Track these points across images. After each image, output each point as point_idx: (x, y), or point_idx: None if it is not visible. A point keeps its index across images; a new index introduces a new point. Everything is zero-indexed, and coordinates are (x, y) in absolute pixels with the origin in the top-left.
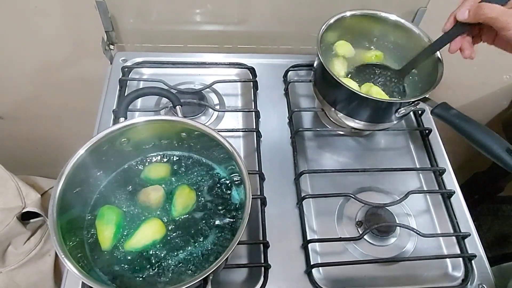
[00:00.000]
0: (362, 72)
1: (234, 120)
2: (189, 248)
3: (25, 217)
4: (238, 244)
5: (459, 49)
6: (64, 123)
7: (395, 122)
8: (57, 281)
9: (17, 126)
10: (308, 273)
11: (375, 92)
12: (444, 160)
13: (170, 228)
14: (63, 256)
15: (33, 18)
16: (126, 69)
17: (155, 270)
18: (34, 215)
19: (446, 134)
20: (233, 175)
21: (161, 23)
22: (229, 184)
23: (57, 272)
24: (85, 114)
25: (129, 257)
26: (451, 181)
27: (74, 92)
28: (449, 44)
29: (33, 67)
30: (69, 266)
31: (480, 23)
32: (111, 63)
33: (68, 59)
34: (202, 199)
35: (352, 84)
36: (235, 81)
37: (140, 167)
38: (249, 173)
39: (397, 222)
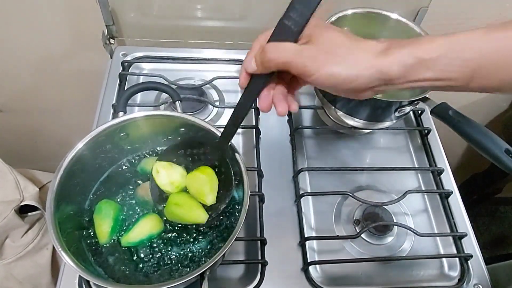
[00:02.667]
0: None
1: None
2: (186, 243)
3: (23, 210)
4: (235, 240)
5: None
6: (63, 116)
7: (394, 121)
8: (55, 274)
9: (16, 119)
10: (305, 270)
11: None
12: (442, 160)
13: (167, 224)
14: (60, 249)
15: (33, 11)
16: (126, 63)
17: (152, 265)
18: (32, 208)
19: (445, 134)
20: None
21: (162, 18)
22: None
23: (55, 265)
24: (84, 107)
25: (126, 252)
26: (449, 181)
27: (73, 85)
28: (256, 102)
29: (33, 60)
30: (66, 259)
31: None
32: (111, 57)
33: (68, 53)
34: None
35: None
36: (235, 77)
37: (138, 162)
38: (247, 170)
39: (395, 221)
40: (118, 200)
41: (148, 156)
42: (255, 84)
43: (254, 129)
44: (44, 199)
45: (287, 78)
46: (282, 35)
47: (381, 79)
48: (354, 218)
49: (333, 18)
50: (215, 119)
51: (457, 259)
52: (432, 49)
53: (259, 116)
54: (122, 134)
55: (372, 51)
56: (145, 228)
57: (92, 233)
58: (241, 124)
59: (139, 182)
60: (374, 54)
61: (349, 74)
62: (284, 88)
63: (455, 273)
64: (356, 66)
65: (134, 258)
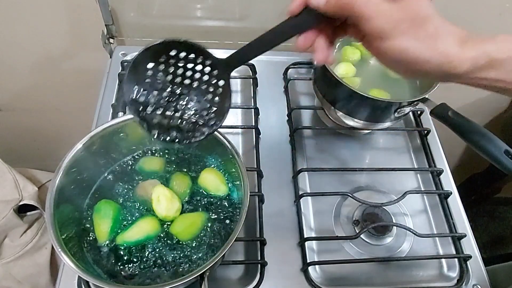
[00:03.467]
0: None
1: (233, 117)
2: (186, 244)
3: (22, 209)
4: (235, 240)
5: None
6: (63, 115)
7: (394, 121)
8: (54, 274)
9: (15, 118)
10: (305, 271)
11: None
12: (442, 161)
13: (165, 225)
14: (59, 249)
15: (33, 10)
16: (126, 63)
17: (151, 266)
18: (31, 207)
19: (444, 135)
20: (231, 172)
21: (162, 18)
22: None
23: (54, 265)
24: (84, 107)
25: (125, 252)
26: (448, 182)
27: (73, 85)
28: (297, 36)
29: (32, 59)
30: (65, 260)
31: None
32: (110, 57)
33: (67, 52)
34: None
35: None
36: (234, 77)
37: (137, 162)
38: (247, 170)
39: (394, 221)
40: (118, 200)
41: (147, 155)
42: (305, 19)
43: (253, 130)
44: (43, 199)
45: (329, 31)
46: None
47: (446, 72)
48: (354, 219)
49: None
50: None
51: (456, 259)
52: (505, 48)
53: (259, 117)
54: (121, 134)
55: (457, 37)
56: (142, 229)
57: (91, 233)
58: (241, 125)
59: (138, 181)
60: (458, 43)
61: (424, 55)
62: (326, 38)
63: (454, 274)
64: (435, 49)
65: (133, 258)
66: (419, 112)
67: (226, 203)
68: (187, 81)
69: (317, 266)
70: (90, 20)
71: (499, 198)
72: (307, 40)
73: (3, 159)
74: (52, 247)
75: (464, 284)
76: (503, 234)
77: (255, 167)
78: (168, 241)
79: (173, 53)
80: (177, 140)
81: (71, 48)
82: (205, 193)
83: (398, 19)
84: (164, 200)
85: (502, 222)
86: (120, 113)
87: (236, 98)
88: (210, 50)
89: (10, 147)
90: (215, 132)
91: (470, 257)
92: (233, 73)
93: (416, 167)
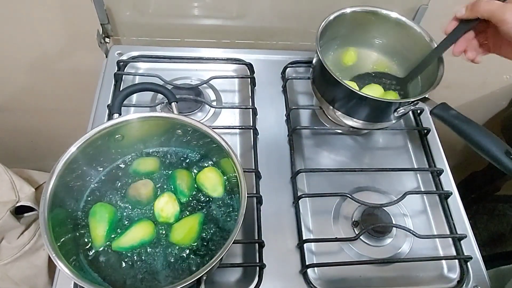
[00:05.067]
0: (364, 78)
1: (231, 117)
2: (183, 248)
3: (19, 211)
4: (233, 243)
5: (463, 52)
6: (59, 116)
7: (393, 121)
8: (51, 275)
9: (11, 119)
10: (303, 273)
11: (376, 89)
12: (442, 161)
13: (161, 229)
14: (54, 255)
15: (27, 10)
16: (122, 63)
17: (148, 270)
18: (28, 209)
19: (443, 133)
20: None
21: (158, 16)
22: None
23: (51, 266)
24: (80, 107)
25: (121, 256)
26: (448, 182)
27: (69, 85)
28: (452, 46)
29: (28, 59)
30: (60, 265)
31: (482, 21)
32: (106, 57)
33: (63, 52)
34: (196, 197)
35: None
36: (232, 77)
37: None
38: (245, 171)
39: (394, 222)
40: (113, 202)
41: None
42: (458, 30)
43: (251, 130)
44: (40, 200)
45: (481, 33)
46: None
47: None
48: (353, 220)
49: (332, 17)
50: (212, 119)
51: (456, 261)
52: None
53: (257, 117)
54: (117, 136)
55: None
56: (137, 234)
57: (87, 237)
58: (238, 125)
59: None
60: None
61: None
62: (477, 42)
63: (455, 275)
64: None
65: (130, 262)
66: (418, 111)
67: (223, 205)
68: None
69: (316, 268)
70: (85, 19)
71: (499, 196)
72: (460, 46)
73: (0, 160)
74: None
75: (464, 285)
76: (502, 232)
77: (253, 168)
78: (164, 245)
79: None
80: None
81: (66, 48)
82: (202, 192)
83: None
84: (166, 207)
85: (502, 220)
86: (116, 115)
87: (234, 98)
88: (207, 49)
89: (6, 147)
90: (212, 133)
91: (471, 258)
92: (230, 73)
93: (416, 167)
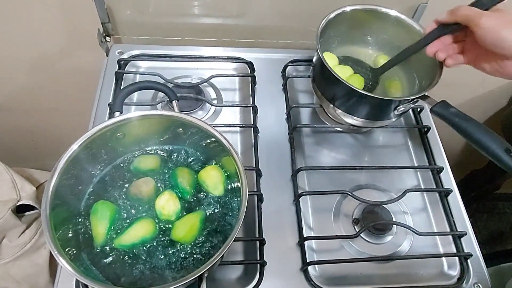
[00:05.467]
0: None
1: (232, 115)
2: (184, 245)
3: (20, 210)
4: (234, 241)
5: (443, 59)
6: (60, 115)
7: (393, 119)
8: (53, 274)
9: (12, 118)
10: (304, 270)
11: (345, 70)
12: (442, 159)
13: (162, 226)
14: (56, 252)
15: (27, 9)
16: (122, 62)
17: (150, 267)
18: (29, 208)
19: (443, 132)
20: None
21: (159, 15)
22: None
23: (53, 265)
24: (81, 106)
25: (123, 253)
26: (448, 179)
27: (69, 84)
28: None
29: (28, 58)
30: (62, 262)
31: (461, 30)
32: (107, 56)
33: (63, 51)
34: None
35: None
36: (233, 75)
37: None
38: (245, 169)
39: (394, 220)
40: (114, 200)
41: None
42: (436, 32)
43: (252, 128)
44: (41, 198)
45: (460, 48)
46: (474, 5)
47: None
48: (353, 217)
49: (332, 15)
50: (213, 117)
51: (456, 258)
52: None
53: (257, 115)
54: (118, 134)
55: None
56: (139, 232)
57: (88, 234)
58: (239, 123)
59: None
60: None
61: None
62: (454, 49)
63: (455, 272)
64: None
65: (131, 259)
66: (419, 110)
67: (224, 203)
68: None
69: (316, 266)
70: (85, 18)
71: (499, 194)
72: (433, 47)
73: (1, 159)
74: None
75: (464, 282)
76: (502, 230)
77: (254, 166)
78: (166, 243)
79: None
80: None
81: (67, 47)
82: (203, 190)
83: (493, 18)
84: (168, 205)
85: (502, 218)
86: (117, 113)
87: (235, 97)
88: (207, 48)
89: (7, 147)
90: (213, 131)
91: (471, 255)
92: (231, 71)
93: (416, 165)
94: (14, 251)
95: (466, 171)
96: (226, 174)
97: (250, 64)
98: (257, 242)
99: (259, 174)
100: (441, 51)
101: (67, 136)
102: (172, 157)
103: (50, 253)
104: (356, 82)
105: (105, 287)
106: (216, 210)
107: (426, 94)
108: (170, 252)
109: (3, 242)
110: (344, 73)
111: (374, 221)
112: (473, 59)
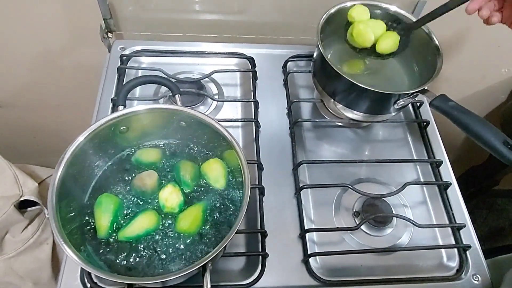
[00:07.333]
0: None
1: (233, 110)
2: (187, 236)
3: (23, 205)
4: (236, 233)
5: (486, 17)
6: (63, 111)
7: (393, 113)
8: (55, 269)
9: (15, 114)
10: (305, 262)
11: (379, 26)
12: (441, 152)
13: (166, 218)
14: (62, 242)
15: (30, 5)
16: (125, 57)
17: (154, 258)
18: (32, 203)
19: (443, 128)
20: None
21: (160, 11)
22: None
23: (55, 260)
24: (83, 102)
25: (126, 244)
26: (447, 173)
27: (72, 80)
28: (468, 2)
29: (31, 54)
30: (68, 251)
31: None
32: (109, 51)
33: (66, 47)
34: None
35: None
36: (234, 71)
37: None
38: (247, 163)
39: (394, 213)
40: (118, 193)
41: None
42: None
43: (253, 123)
44: (43, 194)
45: (500, 4)
46: None
47: None
48: (354, 210)
49: (332, 10)
50: (215, 112)
51: (455, 249)
52: None
53: (258, 110)
54: (122, 128)
55: None
56: (142, 224)
57: (92, 226)
58: (241, 118)
59: (138, 173)
60: None
61: None
62: (496, 3)
63: (454, 264)
64: None
65: (136, 251)
66: (418, 104)
67: (227, 196)
68: None
69: (318, 257)
70: (88, 14)
71: (498, 190)
72: (475, 3)
73: (3, 156)
74: (54, 242)
75: (463, 274)
76: (502, 226)
77: (256, 159)
78: (169, 234)
79: None
80: None
81: (69, 43)
82: (206, 183)
83: None
84: (171, 198)
85: (501, 214)
86: (121, 107)
87: (236, 92)
88: (209, 44)
89: (10, 143)
90: (215, 124)
91: (470, 247)
92: (232, 67)
93: (415, 158)
94: (17, 246)
95: (465, 167)
96: (228, 168)
97: (251, 60)
98: (259, 234)
99: (260, 168)
100: (484, 8)
101: (69, 133)
102: (175, 150)
103: (52, 248)
104: (391, 40)
105: (110, 276)
106: (218, 203)
107: (425, 88)
108: (174, 243)
109: (6, 237)
110: (377, 28)
111: (374, 213)
112: (508, 16)
